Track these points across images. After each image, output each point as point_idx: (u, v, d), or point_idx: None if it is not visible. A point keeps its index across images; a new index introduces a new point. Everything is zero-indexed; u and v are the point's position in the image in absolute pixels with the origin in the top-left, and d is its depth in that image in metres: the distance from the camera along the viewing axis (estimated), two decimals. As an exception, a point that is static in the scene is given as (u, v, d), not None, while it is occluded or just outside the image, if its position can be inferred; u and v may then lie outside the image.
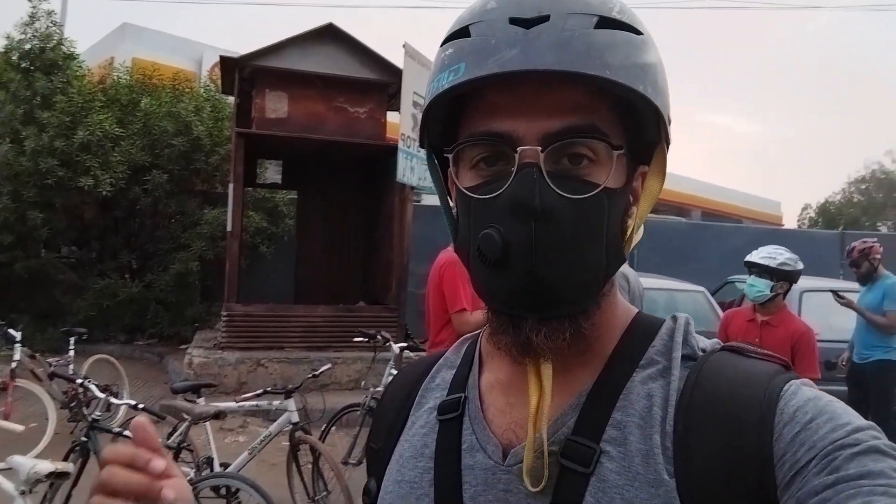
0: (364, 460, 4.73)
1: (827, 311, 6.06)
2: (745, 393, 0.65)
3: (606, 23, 0.66)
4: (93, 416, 4.10)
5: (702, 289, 7.99)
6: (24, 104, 10.21)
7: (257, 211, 10.94)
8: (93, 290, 10.39)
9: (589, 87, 0.67)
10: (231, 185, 8.15)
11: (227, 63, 8.52)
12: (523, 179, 0.65)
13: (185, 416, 4.24)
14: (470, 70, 0.66)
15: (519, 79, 0.65)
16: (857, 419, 0.61)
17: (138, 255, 11.14)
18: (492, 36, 0.66)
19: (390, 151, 8.16)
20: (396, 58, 8.22)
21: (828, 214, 34.10)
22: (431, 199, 11.42)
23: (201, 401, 4.41)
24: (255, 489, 3.66)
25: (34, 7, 10.75)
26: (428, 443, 0.79)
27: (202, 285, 10.87)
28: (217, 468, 4.19)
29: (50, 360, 6.44)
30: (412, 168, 8.11)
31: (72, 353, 6.66)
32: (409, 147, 8.00)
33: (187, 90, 11.72)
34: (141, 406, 4.15)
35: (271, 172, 9.76)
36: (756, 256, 3.96)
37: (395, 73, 8.32)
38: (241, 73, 8.39)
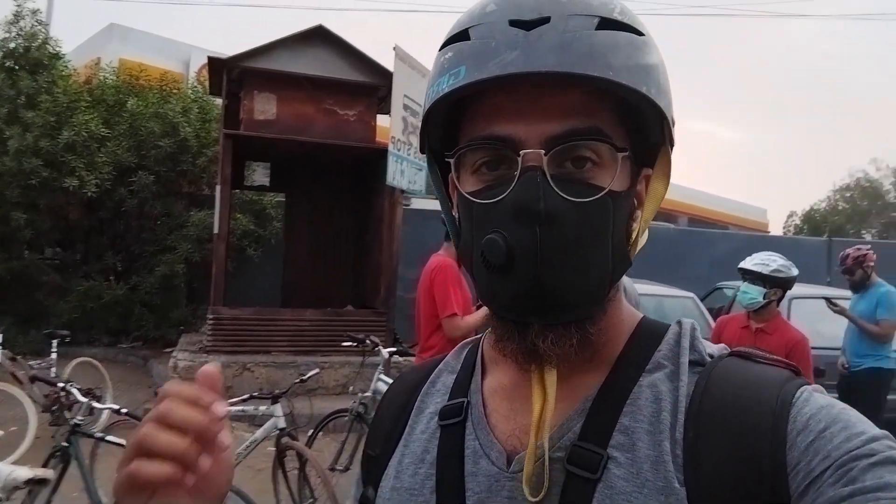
0: (350, 467, 4.73)
1: (816, 318, 6.07)
2: (757, 399, 0.64)
3: (608, 24, 0.65)
4: (74, 420, 4.02)
5: (691, 295, 7.99)
6: (8, 104, 10.09)
7: (244, 213, 10.86)
8: (77, 291, 10.27)
9: (591, 89, 0.66)
10: (218, 187, 8.07)
11: (215, 64, 8.45)
12: (527, 183, 0.64)
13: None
14: (470, 73, 0.65)
15: (520, 81, 0.64)
16: (871, 428, 0.61)
17: (123, 256, 11.03)
18: (492, 38, 0.65)
19: (380, 154, 8.11)
20: (387, 61, 8.20)
21: (813, 222, 34.37)
22: (421, 203, 11.39)
23: (186, 405, 4.32)
24: (239, 496, 3.59)
25: (19, 6, 10.65)
26: (429, 449, 0.78)
27: (188, 288, 10.78)
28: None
29: (31, 362, 6.34)
30: (402, 171, 8.07)
31: (54, 355, 6.55)
32: (399, 150, 7.96)
33: (175, 91, 11.64)
34: (124, 410, 4.08)
35: (259, 175, 9.69)
36: (749, 263, 3.93)
37: (385, 76, 8.29)
38: (230, 74, 8.32)
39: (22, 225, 9.83)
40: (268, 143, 8.43)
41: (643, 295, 7.37)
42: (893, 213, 34.39)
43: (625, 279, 0.76)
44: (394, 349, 5.21)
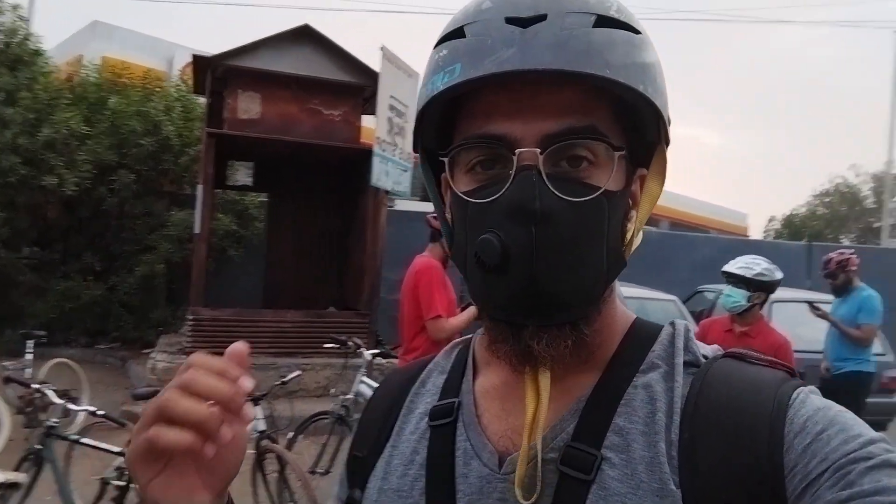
0: (331, 470, 4.69)
1: (796, 322, 6.10)
2: (753, 401, 0.64)
3: (605, 21, 0.65)
4: (49, 422, 3.94)
5: (673, 297, 8.02)
6: (-13, 100, 9.93)
7: (226, 213, 10.78)
8: (54, 291, 10.14)
9: (587, 87, 0.65)
10: (200, 187, 8.02)
11: (199, 62, 8.39)
12: (522, 182, 0.63)
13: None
14: (466, 71, 0.64)
15: (516, 79, 0.63)
16: (867, 430, 0.60)
17: (102, 256, 10.89)
18: (487, 36, 0.64)
19: (365, 155, 8.08)
20: (373, 62, 8.17)
21: (793, 226, 34.68)
22: (406, 205, 11.36)
23: (165, 407, 4.26)
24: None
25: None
26: (419, 449, 0.77)
27: (168, 288, 10.68)
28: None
29: (6, 363, 6.22)
30: (387, 172, 8.03)
31: (30, 356, 6.44)
32: (384, 151, 7.93)
33: (157, 89, 11.53)
34: (101, 412, 4.01)
35: (242, 174, 9.63)
36: (733, 267, 3.94)
37: (371, 77, 8.26)
38: (214, 72, 8.26)
39: (-1, 223, 9.67)
40: (251, 143, 8.38)
41: (626, 298, 7.42)
42: (871, 218, 34.82)
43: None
44: (376, 351, 5.19)
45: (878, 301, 5.33)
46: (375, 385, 4.62)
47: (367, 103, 8.75)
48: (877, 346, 5.56)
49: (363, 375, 4.90)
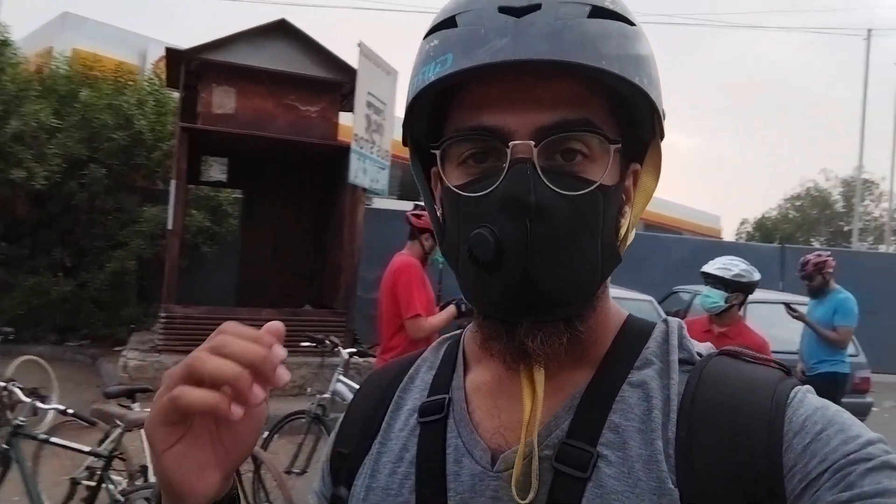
0: (308, 470, 4.63)
1: (770, 323, 6.16)
2: (750, 400, 0.63)
3: (600, 12, 0.64)
4: (17, 421, 3.84)
5: (650, 298, 8.08)
6: (-48, 91, 9.70)
7: (200, 209, 10.65)
8: (22, 287, 9.94)
9: (582, 79, 0.64)
10: (173, 182, 7.92)
11: (172, 55, 8.26)
12: (516, 175, 0.62)
13: (118, 423, 4.01)
14: (458, 61, 0.63)
15: (510, 70, 0.62)
16: (866, 431, 0.60)
17: (72, 252, 10.69)
18: (480, 25, 0.63)
19: (342, 152, 8.03)
20: (351, 58, 8.11)
21: (764, 229, 35.15)
22: (383, 203, 11.30)
23: (136, 406, 4.19)
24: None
25: (-35, -11, 10.26)
26: (408, 447, 0.75)
27: (140, 285, 10.55)
28: (152, 478, 3.97)
29: (-28, 360, 6.07)
30: (364, 170, 7.98)
31: (-3, 353, 6.30)
32: (361, 148, 7.88)
33: (130, 83, 11.35)
34: (70, 411, 3.92)
35: (216, 170, 9.53)
36: (711, 267, 3.96)
37: (349, 73, 8.21)
38: (188, 66, 8.15)
39: (-35, 217, 9.48)
40: (226, 138, 8.30)
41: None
42: (841, 222, 35.47)
43: None
44: (353, 350, 5.15)
45: (854, 303, 5.39)
46: (353, 384, 4.59)
47: (345, 100, 8.70)
48: (850, 348, 5.63)
49: (340, 374, 4.86)
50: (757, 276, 3.92)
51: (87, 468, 4.00)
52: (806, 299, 5.92)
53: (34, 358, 6.83)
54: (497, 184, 0.63)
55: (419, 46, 0.70)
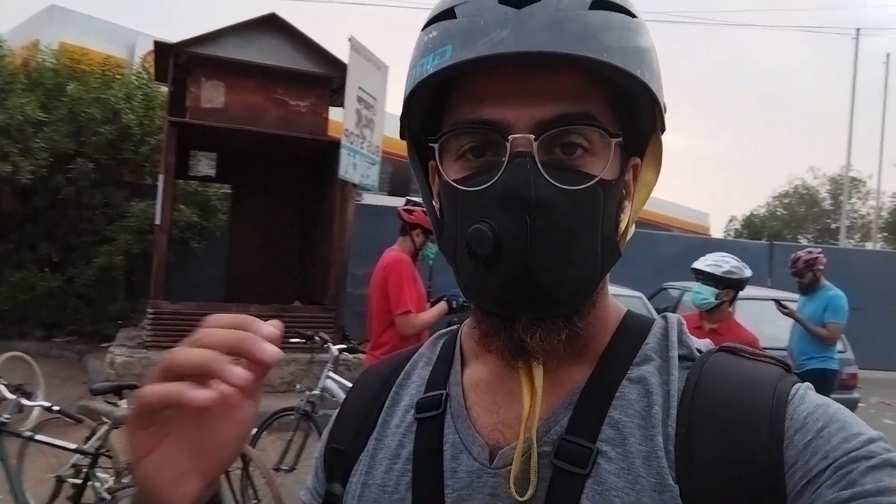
0: (296, 467, 4.61)
1: (758, 319, 6.18)
2: (751, 396, 0.63)
3: (601, 4, 0.63)
4: (1, 418, 3.80)
5: (639, 294, 8.10)
6: (-64, 84, 9.59)
7: (188, 205, 10.58)
8: (8, 282, 9.84)
9: (583, 72, 0.63)
10: (161, 177, 7.85)
11: (161, 49, 8.19)
12: (516, 169, 0.61)
13: (105, 420, 3.98)
14: (457, 53, 0.62)
15: (510, 62, 0.61)
16: (867, 429, 0.60)
17: (59, 247, 10.61)
18: (480, 17, 0.62)
19: (332, 147, 7.99)
20: (342, 53, 8.07)
21: (752, 226, 35.31)
22: (373, 199, 11.27)
23: (123, 403, 4.16)
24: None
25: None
26: (404, 443, 0.74)
27: (127, 280, 10.46)
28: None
29: (-44, 357, 5.99)
30: (355, 165, 7.94)
31: (-19, 349, 6.23)
32: (352, 143, 7.84)
33: (118, 77, 11.26)
34: (56, 408, 3.89)
35: (204, 165, 9.47)
36: (702, 264, 3.97)
37: (339, 68, 8.16)
38: (176, 59, 8.07)
39: (-51, 212, 9.38)
40: (214, 133, 8.23)
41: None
42: (828, 219, 35.70)
43: None
44: (343, 346, 5.13)
45: (845, 300, 5.42)
46: (342, 381, 4.56)
47: (336, 95, 8.65)
48: (838, 344, 5.66)
49: (330, 371, 4.83)
50: (748, 272, 3.93)
51: (73, 466, 3.97)
52: (795, 296, 5.94)
53: (20, 354, 6.74)
54: (496, 178, 0.62)
55: (417, 38, 0.69)
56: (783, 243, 15.34)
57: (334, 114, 8.79)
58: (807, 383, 0.66)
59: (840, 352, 5.94)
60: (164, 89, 9.54)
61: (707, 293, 3.87)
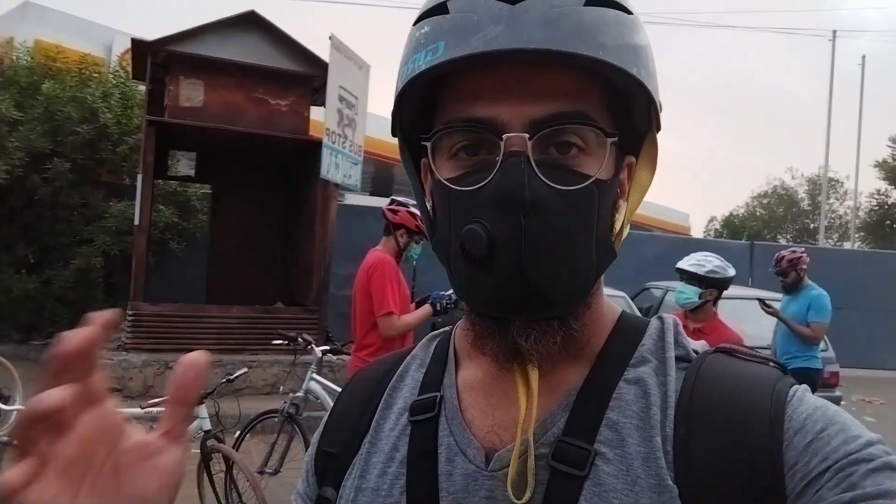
0: (281, 470, 4.56)
1: (740, 319, 6.21)
2: (749, 397, 0.63)
3: (596, 0, 0.62)
4: (-23, 423, 3.72)
5: (623, 294, 8.13)
6: None
7: (167, 205, 10.45)
8: (-17, 284, 9.66)
9: (578, 69, 0.62)
10: (140, 177, 7.78)
11: (138, 46, 8.09)
12: (510, 169, 0.60)
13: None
14: (450, 49, 0.61)
15: (504, 59, 0.60)
16: (866, 432, 0.60)
17: (36, 248, 10.44)
18: (473, 12, 0.61)
19: (314, 147, 7.94)
20: (323, 51, 8.01)
21: (732, 227, 35.68)
22: (356, 199, 11.21)
23: (103, 407, 4.09)
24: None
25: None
26: (398, 446, 0.73)
27: (106, 282, 10.32)
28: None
29: (-70, 361, 5.89)
30: (337, 165, 7.89)
31: (-44, 353, 6.11)
32: (333, 143, 7.79)
33: (95, 75, 11.11)
34: (33, 413, 3.80)
35: (184, 165, 9.38)
36: (685, 263, 3.98)
37: (320, 66, 8.11)
38: (154, 58, 7.98)
39: (-78, 213, 9.20)
40: (194, 132, 8.15)
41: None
42: (807, 219, 36.13)
43: None
44: (327, 348, 5.08)
45: (828, 300, 5.46)
46: (326, 382, 4.51)
47: (317, 94, 8.59)
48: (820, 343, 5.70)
49: (313, 373, 4.79)
50: (731, 272, 3.94)
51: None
52: (777, 295, 5.97)
53: (-4, 357, 6.65)
54: (490, 178, 0.61)
55: (409, 33, 0.67)
56: (764, 243, 15.50)
57: (316, 113, 8.73)
58: (804, 385, 0.66)
59: (822, 350, 5.99)
60: (142, 88, 9.43)
61: (690, 293, 3.88)
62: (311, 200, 8.57)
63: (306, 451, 0.78)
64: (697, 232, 36.02)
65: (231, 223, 9.82)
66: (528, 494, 0.63)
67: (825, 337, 6.23)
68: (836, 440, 0.59)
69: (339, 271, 8.54)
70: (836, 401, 6.70)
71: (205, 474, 4.19)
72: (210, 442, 4.11)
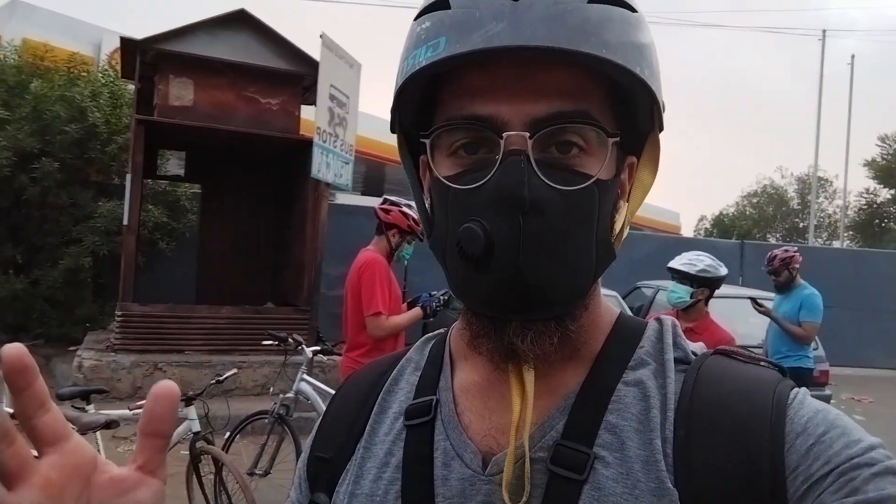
0: (271, 471, 4.53)
1: (731, 318, 6.22)
2: (749, 400, 0.63)
3: None
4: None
5: (614, 293, 8.14)
6: None
7: (157, 205, 10.39)
8: (-29, 285, 9.57)
9: (581, 68, 0.62)
10: (129, 176, 7.71)
11: (127, 45, 8.00)
12: (510, 168, 0.60)
13: (73, 426, 3.86)
14: (451, 45, 0.60)
15: (505, 56, 0.59)
16: (867, 435, 0.60)
17: (24, 248, 10.36)
18: (475, 8, 0.60)
19: (304, 146, 7.90)
20: (314, 50, 7.98)
21: (722, 226, 35.84)
22: (347, 199, 11.17)
23: (91, 408, 4.07)
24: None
25: None
26: (394, 451, 0.72)
27: (95, 283, 10.24)
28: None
29: (-85, 362, 5.81)
30: (328, 164, 7.85)
31: (-58, 354, 6.04)
32: (324, 142, 7.75)
33: (83, 74, 11.03)
34: (20, 415, 3.75)
35: (173, 164, 9.33)
36: (677, 263, 3.99)
37: (311, 65, 8.06)
38: (144, 56, 7.90)
39: None
40: (183, 131, 8.09)
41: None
42: (796, 218, 36.31)
43: None
44: (317, 348, 5.06)
45: (820, 299, 5.48)
46: (317, 383, 4.48)
47: (307, 93, 8.55)
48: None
49: (304, 373, 4.76)
50: (723, 271, 3.95)
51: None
52: (768, 294, 5.98)
53: (-18, 359, 6.58)
54: (489, 176, 0.60)
55: (409, 27, 0.66)
56: (754, 242, 15.55)
57: (306, 112, 8.69)
58: (804, 388, 0.66)
59: (813, 350, 6.00)
60: (132, 87, 9.35)
61: (682, 292, 3.89)
62: (301, 200, 8.53)
63: (297, 452, 0.76)
64: (688, 231, 36.16)
65: (221, 223, 9.77)
66: (524, 499, 0.62)
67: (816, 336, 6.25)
68: (838, 444, 0.58)
69: (330, 271, 8.51)
70: (826, 399, 6.72)
71: (194, 476, 4.16)
72: (199, 444, 4.09)
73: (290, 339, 4.96)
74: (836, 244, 30.16)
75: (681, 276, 3.91)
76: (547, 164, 0.61)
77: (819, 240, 33.46)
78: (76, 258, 9.71)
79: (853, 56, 27.28)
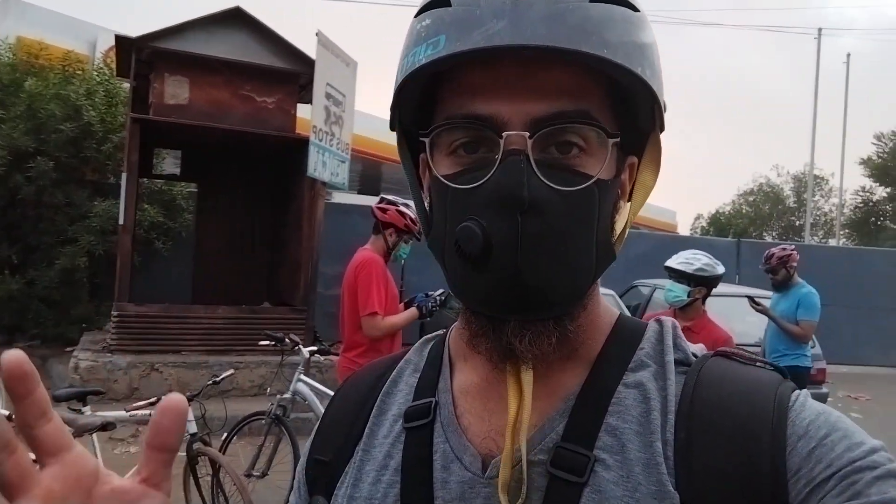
0: (268, 473, 4.51)
1: (728, 317, 6.21)
2: (751, 402, 0.62)
3: None
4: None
5: (611, 292, 8.13)
6: None
7: (152, 204, 10.35)
8: (-35, 285, 9.53)
9: (582, 67, 0.61)
10: (124, 175, 7.66)
11: (122, 43, 7.97)
12: (509, 168, 0.60)
13: (69, 428, 3.84)
14: (451, 44, 0.60)
15: (506, 55, 0.59)
16: (868, 438, 0.60)
17: (19, 248, 10.31)
18: (476, 6, 0.60)
19: (300, 144, 7.87)
20: (310, 48, 7.95)
21: (719, 224, 35.89)
22: (343, 197, 11.15)
23: (87, 409, 4.06)
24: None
25: None
26: (393, 454, 0.72)
27: (91, 283, 10.20)
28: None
29: None
30: (324, 163, 7.83)
31: (-64, 355, 6.01)
32: (321, 140, 7.72)
33: (78, 72, 10.99)
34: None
35: (169, 163, 9.30)
36: (674, 262, 3.99)
37: (307, 64, 8.04)
38: (139, 54, 7.88)
39: None
40: (179, 130, 8.06)
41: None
42: (793, 217, 36.38)
43: None
44: (314, 348, 5.03)
45: (817, 298, 5.47)
46: (314, 384, 4.46)
47: (304, 91, 8.53)
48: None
49: (301, 373, 4.74)
50: (720, 270, 3.94)
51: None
52: (765, 292, 5.98)
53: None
54: (488, 176, 0.60)
55: (409, 25, 0.66)
56: (751, 240, 15.57)
57: (302, 111, 8.67)
58: (805, 391, 0.66)
59: (810, 348, 6.01)
60: (127, 85, 9.32)
61: (679, 291, 3.88)
62: (298, 199, 8.51)
63: (294, 453, 0.75)
64: (684, 230, 36.18)
65: (217, 222, 9.74)
66: (520, 501, 0.62)
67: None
68: (840, 447, 0.58)
69: (326, 270, 8.49)
70: (823, 397, 6.75)
71: (191, 478, 4.15)
72: (196, 445, 4.07)
73: (287, 339, 4.94)
74: (833, 242, 30.23)
75: (678, 275, 3.91)
76: (547, 165, 0.61)
77: (815, 238, 33.54)
78: (72, 258, 9.67)
79: (849, 55, 27.36)
